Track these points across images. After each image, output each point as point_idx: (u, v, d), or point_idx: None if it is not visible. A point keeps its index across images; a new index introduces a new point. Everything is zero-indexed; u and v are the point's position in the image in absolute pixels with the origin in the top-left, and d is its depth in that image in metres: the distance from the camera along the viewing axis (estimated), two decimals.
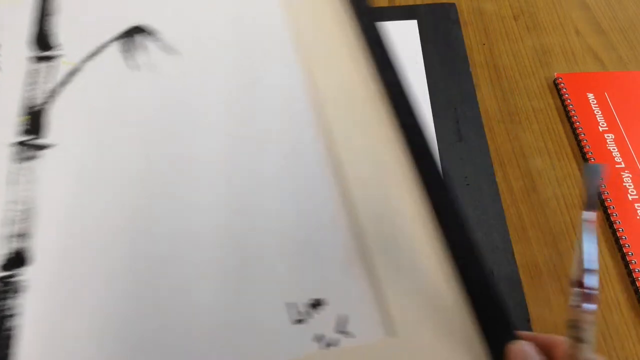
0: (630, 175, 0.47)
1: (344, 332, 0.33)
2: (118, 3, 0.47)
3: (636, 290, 0.41)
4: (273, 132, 0.42)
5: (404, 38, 0.59)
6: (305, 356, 0.32)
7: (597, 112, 0.52)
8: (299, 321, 0.34)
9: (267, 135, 0.42)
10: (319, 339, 0.33)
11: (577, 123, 0.51)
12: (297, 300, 0.35)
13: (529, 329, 0.39)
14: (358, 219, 0.37)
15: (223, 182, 0.40)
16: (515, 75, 0.56)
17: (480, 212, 0.46)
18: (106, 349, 0.33)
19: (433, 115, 0.52)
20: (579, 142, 0.50)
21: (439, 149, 0.50)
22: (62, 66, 0.43)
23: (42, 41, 0.43)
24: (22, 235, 0.36)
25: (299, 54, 0.42)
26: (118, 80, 0.43)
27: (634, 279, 0.42)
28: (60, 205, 0.38)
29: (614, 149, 0.49)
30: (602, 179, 0.33)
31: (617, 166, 0.48)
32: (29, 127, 0.40)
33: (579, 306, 0.27)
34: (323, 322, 0.34)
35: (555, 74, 0.55)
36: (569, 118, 0.52)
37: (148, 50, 0.43)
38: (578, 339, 0.27)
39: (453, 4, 0.62)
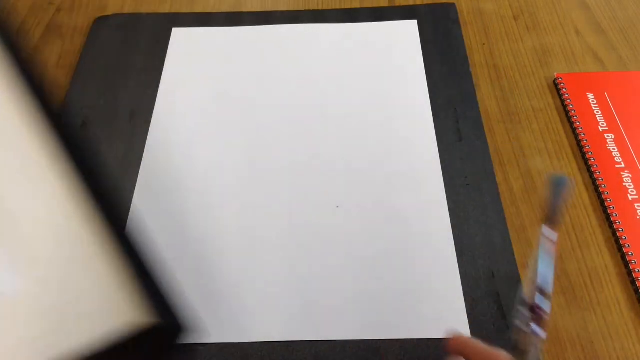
0: (630, 175, 0.47)
1: None
2: None
3: (636, 290, 0.41)
4: None
5: (404, 38, 0.59)
6: None
7: (597, 112, 0.52)
8: None
9: None
10: None
11: (577, 123, 0.51)
12: None
13: None
14: None
15: None
16: (515, 75, 0.56)
17: (480, 212, 0.46)
18: None
19: (433, 115, 0.52)
20: (579, 142, 0.50)
21: (439, 149, 0.50)
22: None
23: None
24: None
25: None
26: None
27: (634, 279, 0.42)
28: None
29: (614, 149, 0.49)
30: (566, 192, 0.32)
31: (617, 166, 0.48)
32: None
33: (526, 328, 0.24)
34: None
35: (555, 74, 0.55)
36: (569, 118, 0.52)
37: None
38: None
39: (453, 4, 0.62)
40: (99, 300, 0.26)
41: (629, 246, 0.43)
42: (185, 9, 0.64)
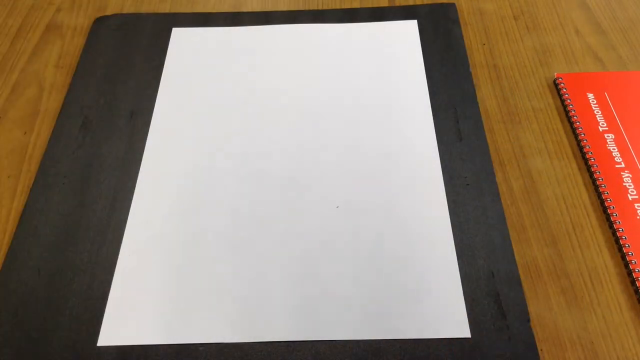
0: (630, 175, 0.47)
1: None
2: None
3: (636, 290, 0.41)
4: None
5: (404, 38, 0.59)
6: None
7: (597, 112, 0.52)
8: None
9: None
10: None
11: (577, 123, 0.51)
12: None
13: (529, 329, 0.39)
14: None
15: None
16: (515, 75, 0.56)
17: (480, 212, 0.46)
18: None
19: (433, 115, 0.52)
20: (579, 142, 0.50)
21: (439, 149, 0.50)
22: None
23: None
24: None
25: None
26: None
27: (634, 279, 0.42)
28: None
29: (614, 149, 0.49)
30: None
31: (617, 166, 0.48)
32: None
33: None
34: None
35: (555, 74, 0.55)
36: (569, 118, 0.52)
37: None
38: None
39: (453, 4, 0.62)
40: None
41: (629, 246, 0.43)
42: (185, 9, 0.64)
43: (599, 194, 0.47)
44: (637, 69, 0.56)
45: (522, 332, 0.39)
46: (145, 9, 0.64)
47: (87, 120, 0.53)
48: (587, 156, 0.49)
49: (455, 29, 0.60)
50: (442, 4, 0.63)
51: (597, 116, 0.51)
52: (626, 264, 0.43)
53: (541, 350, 0.39)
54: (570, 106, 0.52)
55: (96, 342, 0.40)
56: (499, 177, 0.48)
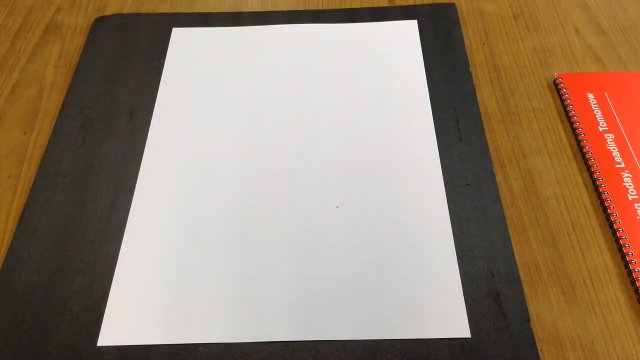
0: (630, 175, 0.47)
1: None
2: None
3: (636, 290, 0.41)
4: None
5: (404, 38, 0.59)
6: None
7: (597, 112, 0.52)
8: None
9: None
10: None
11: (577, 123, 0.51)
12: None
13: (529, 329, 0.39)
14: None
15: None
16: (515, 75, 0.56)
17: (480, 212, 0.46)
18: None
19: (433, 115, 0.52)
20: (579, 142, 0.50)
21: (439, 149, 0.50)
22: None
23: None
24: None
25: None
26: None
27: (634, 279, 0.42)
28: None
29: (614, 149, 0.49)
30: None
31: (617, 166, 0.48)
32: None
33: None
34: None
35: (555, 74, 0.55)
36: (568, 118, 0.52)
37: None
38: None
39: (453, 4, 0.62)
40: None
41: (629, 246, 0.43)
42: (185, 9, 0.64)
43: (599, 194, 0.47)
44: (637, 69, 0.56)
45: (522, 332, 0.39)
46: (145, 9, 0.64)
47: (87, 120, 0.53)
48: (587, 156, 0.49)
49: (455, 29, 0.60)
50: (442, 4, 0.63)
51: (597, 116, 0.51)
52: (626, 264, 0.43)
53: (541, 350, 0.39)
54: (570, 106, 0.52)
55: (96, 342, 0.40)
56: (499, 177, 0.48)
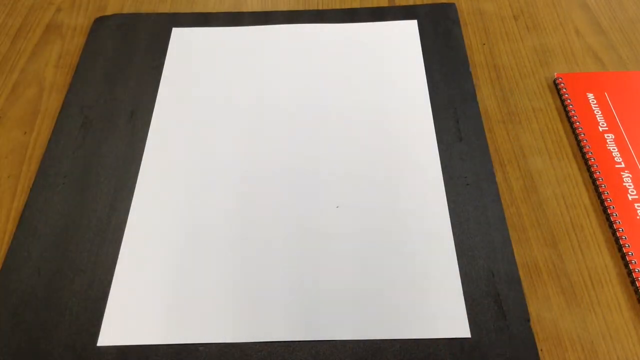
0: (630, 175, 0.47)
1: None
2: None
3: (636, 290, 0.41)
4: None
5: (404, 38, 0.59)
6: None
7: (597, 112, 0.52)
8: None
9: None
10: None
11: (577, 123, 0.51)
12: None
13: (529, 329, 0.39)
14: None
15: None
16: (515, 75, 0.56)
17: (480, 212, 0.46)
18: None
19: (433, 115, 0.52)
20: (578, 142, 0.50)
21: (439, 149, 0.50)
22: None
23: None
24: None
25: None
26: None
27: (634, 279, 0.42)
28: None
29: (614, 149, 0.49)
30: None
31: (617, 166, 0.48)
32: None
33: None
34: None
35: (555, 74, 0.55)
36: (568, 118, 0.52)
37: None
38: None
39: (453, 4, 0.62)
40: None
41: (629, 246, 0.43)
42: (185, 9, 0.64)
43: (599, 194, 0.47)
44: (637, 69, 0.56)
45: (522, 332, 0.39)
46: (145, 9, 0.64)
47: (87, 120, 0.53)
48: (587, 156, 0.49)
49: (455, 29, 0.60)
50: (442, 4, 0.63)
51: (597, 116, 0.51)
52: (626, 264, 0.43)
53: (541, 350, 0.39)
54: (570, 106, 0.52)
55: (96, 342, 0.40)
56: (499, 177, 0.48)
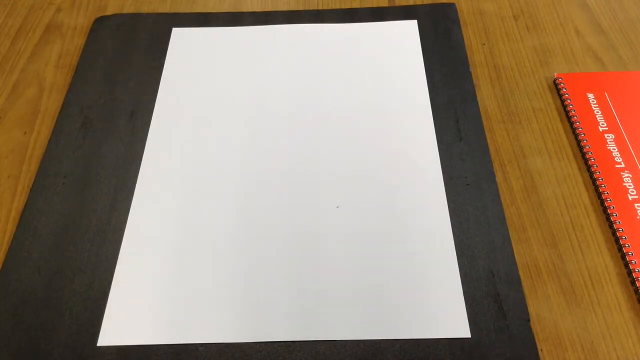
0: (630, 175, 0.47)
1: None
2: None
3: (636, 290, 0.41)
4: None
5: (404, 38, 0.59)
6: None
7: (597, 112, 0.52)
8: None
9: None
10: None
11: (577, 123, 0.51)
12: None
13: (529, 329, 0.39)
14: None
15: None
16: (515, 75, 0.56)
17: (480, 212, 0.46)
18: None
19: (433, 115, 0.52)
20: (579, 142, 0.50)
21: (439, 149, 0.50)
22: None
23: None
24: None
25: None
26: None
27: (634, 279, 0.42)
28: None
29: (614, 149, 0.49)
30: None
31: (617, 166, 0.48)
32: None
33: None
34: None
35: (555, 74, 0.55)
36: (568, 118, 0.52)
37: None
38: None
39: (453, 4, 0.62)
40: None
41: (629, 246, 0.43)
42: (185, 9, 0.64)
43: (599, 194, 0.47)
44: (637, 69, 0.56)
45: (522, 332, 0.39)
46: (145, 9, 0.64)
47: (87, 120, 0.53)
48: (587, 156, 0.49)
49: (455, 29, 0.60)
50: (442, 4, 0.63)
51: (597, 116, 0.51)
52: (626, 264, 0.43)
53: (541, 350, 0.39)
54: (570, 106, 0.52)
55: (96, 342, 0.40)
56: (499, 177, 0.48)
